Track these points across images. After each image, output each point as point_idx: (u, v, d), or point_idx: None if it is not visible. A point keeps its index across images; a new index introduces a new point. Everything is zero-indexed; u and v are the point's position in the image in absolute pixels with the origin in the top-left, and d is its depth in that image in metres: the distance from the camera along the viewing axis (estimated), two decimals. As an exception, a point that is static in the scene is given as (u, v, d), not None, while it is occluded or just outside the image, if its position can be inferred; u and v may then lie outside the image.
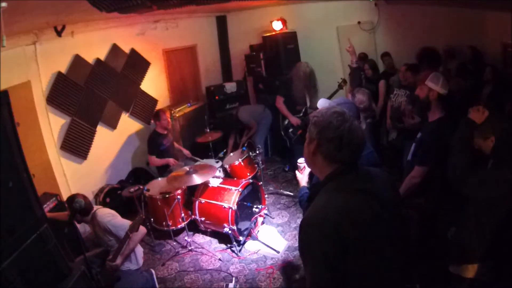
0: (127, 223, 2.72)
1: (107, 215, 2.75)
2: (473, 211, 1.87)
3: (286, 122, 4.51)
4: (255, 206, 3.70)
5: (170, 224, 3.67)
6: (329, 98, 4.38)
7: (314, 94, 4.36)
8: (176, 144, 4.58)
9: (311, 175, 2.08)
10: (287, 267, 3.23)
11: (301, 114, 4.48)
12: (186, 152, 4.57)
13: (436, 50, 3.68)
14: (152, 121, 5.01)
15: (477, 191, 1.85)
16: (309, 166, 1.39)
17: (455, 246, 2.02)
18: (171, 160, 4.19)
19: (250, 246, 3.60)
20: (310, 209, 1.22)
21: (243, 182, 3.68)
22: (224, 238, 3.68)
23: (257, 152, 4.27)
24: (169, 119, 4.25)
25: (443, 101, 2.37)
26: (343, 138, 1.21)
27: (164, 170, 4.27)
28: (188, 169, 3.55)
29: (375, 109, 4.36)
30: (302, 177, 2.21)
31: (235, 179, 4.01)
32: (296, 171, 2.27)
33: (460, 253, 1.93)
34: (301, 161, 2.27)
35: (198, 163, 4.24)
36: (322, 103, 2.24)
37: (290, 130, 4.45)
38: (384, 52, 4.99)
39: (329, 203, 1.18)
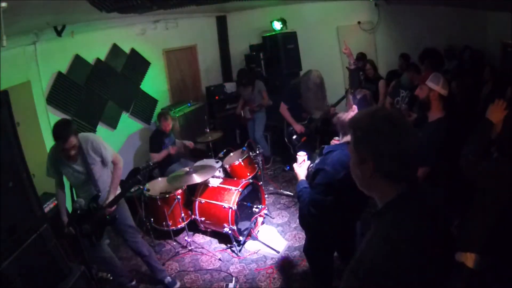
0: (112, 149, 2.91)
1: (99, 137, 2.86)
2: (480, 200, 1.88)
3: (290, 128, 4.43)
4: (255, 206, 3.70)
5: (170, 224, 3.67)
6: (335, 105, 4.33)
7: (321, 104, 4.24)
8: (177, 141, 4.56)
9: (313, 176, 2.07)
10: (287, 267, 3.24)
11: (306, 122, 4.40)
12: (188, 143, 4.52)
13: (438, 50, 3.66)
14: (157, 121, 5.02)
15: (485, 180, 1.86)
16: (364, 190, 1.15)
17: (459, 235, 2.03)
18: (170, 149, 4.18)
19: (250, 246, 3.60)
20: (378, 245, 0.98)
21: (243, 182, 3.67)
22: (224, 238, 3.68)
23: (257, 152, 4.26)
24: (170, 122, 4.25)
25: (444, 102, 2.37)
26: (407, 151, 0.99)
27: (164, 170, 4.26)
28: (188, 169, 3.55)
29: None
30: (301, 171, 2.19)
31: (235, 179, 4.01)
32: (294, 164, 2.25)
33: (463, 240, 1.94)
34: (300, 154, 2.25)
35: (199, 163, 4.23)
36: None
37: (294, 137, 4.37)
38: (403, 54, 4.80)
39: (399, 235, 0.97)
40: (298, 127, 4.28)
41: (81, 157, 2.66)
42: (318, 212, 2.00)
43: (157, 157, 4.14)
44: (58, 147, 2.58)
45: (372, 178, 1.04)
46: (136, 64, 4.91)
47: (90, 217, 2.65)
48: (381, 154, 1.00)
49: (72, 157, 2.62)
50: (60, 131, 2.50)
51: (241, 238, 3.52)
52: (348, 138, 2.04)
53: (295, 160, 2.32)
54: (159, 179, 4.05)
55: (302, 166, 2.22)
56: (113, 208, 2.76)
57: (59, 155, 2.63)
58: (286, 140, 4.49)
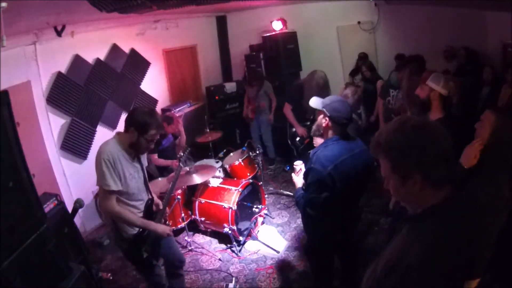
0: None
1: None
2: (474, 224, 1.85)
3: (293, 129, 4.40)
4: (255, 206, 3.70)
5: (170, 224, 3.66)
6: None
7: None
8: (160, 160, 4.23)
9: (305, 176, 2.08)
10: (287, 267, 3.24)
11: (308, 123, 4.36)
12: (173, 163, 4.08)
13: (420, 56, 3.57)
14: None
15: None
16: (408, 204, 1.11)
17: None
18: (175, 163, 4.02)
19: (250, 246, 3.60)
20: (426, 248, 0.96)
21: (243, 182, 3.68)
22: (224, 238, 3.68)
23: (257, 152, 4.26)
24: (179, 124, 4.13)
25: (444, 102, 2.37)
26: (447, 149, 0.99)
27: (164, 170, 4.26)
28: (188, 169, 3.55)
29: (362, 111, 4.28)
30: (298, 180, 2.23)
31: (235, 179, 4.01)
32: (292, 174, 2.30)
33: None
34: (297, 163, 2.29)
35: (199, 163, 4.21)
36: (315, 102, 2.16)
37: (298, 139, 4.33)
38: (399, 55, 4.83)
39: (450, 239, 0.96)
40: (300, 130, 4.20)
41: (138, 156, 2.29)
42: (315, 212, 2.01)
43: (159, 161, 4.09)
44: (140, 139, 2.12)
45: (422, 190, 1.00)
46: (136, 64, 4.91)
47: (148, 234, 2.22)
48: (427, 161, 0.97)
49: (142, 152, 2.28)
50: (156, 119, 2.13)
51: (241, 238, 3.52)
52: (327, 136, 2.06)
53: (294, 158, 2.35)
54: (159, 179, 4.04)
55: (299, 174, 2.25)
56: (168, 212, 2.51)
57: (125, 152, 2.15)
58: (289, 142, 4.45)
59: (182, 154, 3.03)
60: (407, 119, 1.04)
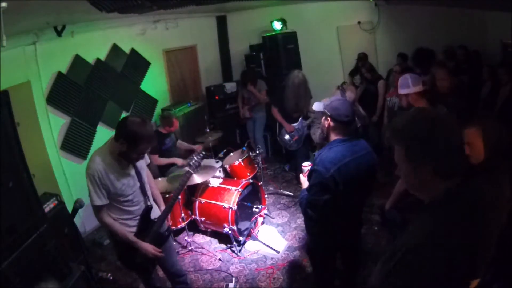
0: None
1: None
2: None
3: (282, 128, 4.52)
4: (255, 206, 3.70)
5: (170, 224, 3.66)
6: None
7: (307, 102, 4.31)
8: (184, 144, 4.51)
9: (309, 177, 2.08)
10: (287, 267, 3.24)
11: (298, 122, 4.49)
12: (196, 147, 4.40)
13: (430, 50, 3.62)
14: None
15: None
16: (418, 193, 1.11)
17: None
18: (178, 161, 4.07)
19: (250, 246, 3.60)
20: (417, 235, 0.99)
21: (243, 182, 3.68)
22: (224, 238, 3.68)
23: (257, 152, 4.26)
24: (175, 125, 4.18)
25: (426, 99, 2.32)
26: (455, 141, 1.01)
27: (165, 170, 4.26)
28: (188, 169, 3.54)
29: (363, 113, 4.31)
30: (305, 180, 2.22)
31: (235, 179, 4.01)
32: (300, 174, 2.30)
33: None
34: (305, 164, 2.29)
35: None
36: (317, 106, 2.22)
37: (286, 136, 4.46)
38: (401, 53, 4.87)
39: (439, 230, 0.98)
40: (288, 127, 4.37)
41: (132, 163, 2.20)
42: (315, 213, 2.00)
43: (160, 161, 4.10)
44: (130, 152, 2.04)
45: (432, 180, 1.02)
46: (136, 64, 4.91)
47: (144, 239, 2.19)
48: (439, 152, 0.99)
49: (133, 162, 2.15)
50: (148, 132, 2.03)
51: (241, 238, 3.52)
52: (331, 138, 2.07)
53: (293, 160, 2.36)
54: (159, 179, 4.04)
55: (306, 175, 2.25)
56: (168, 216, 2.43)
57: (116, 162, 2.09)
58: (278, 139, 4.59)
59: (195, 158, 2.58)
60: (424, 110, 1.10)
